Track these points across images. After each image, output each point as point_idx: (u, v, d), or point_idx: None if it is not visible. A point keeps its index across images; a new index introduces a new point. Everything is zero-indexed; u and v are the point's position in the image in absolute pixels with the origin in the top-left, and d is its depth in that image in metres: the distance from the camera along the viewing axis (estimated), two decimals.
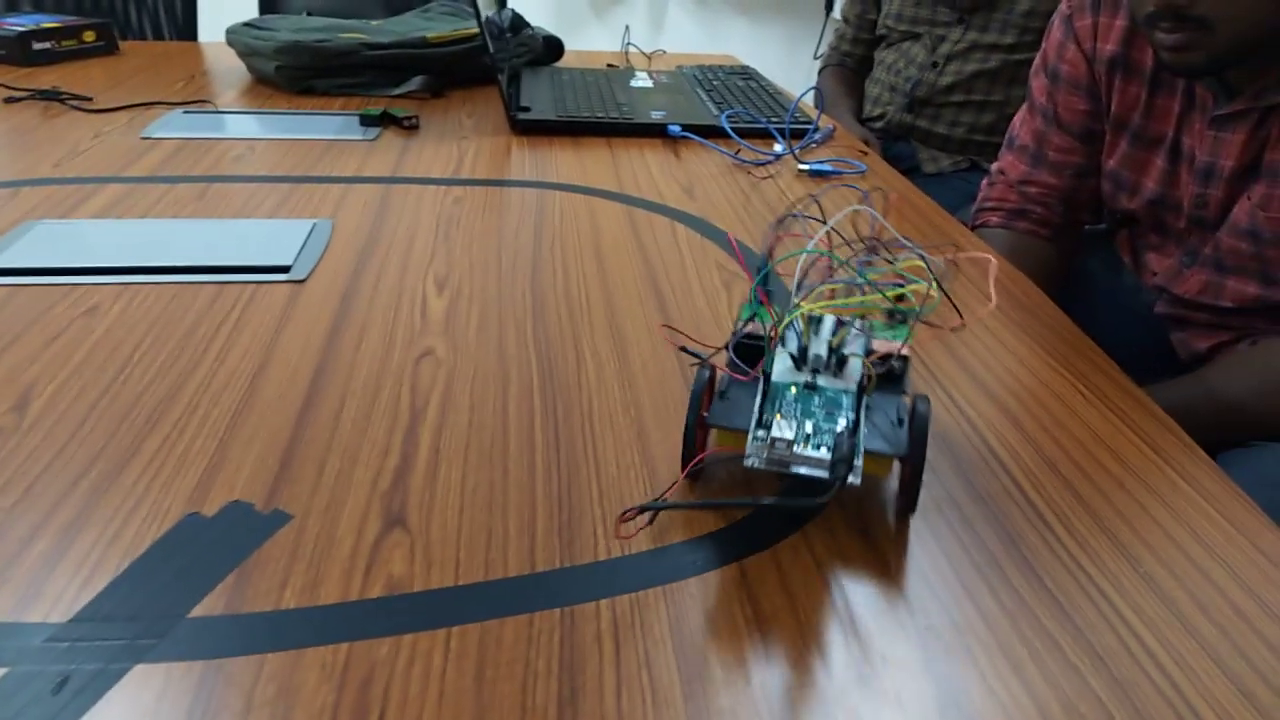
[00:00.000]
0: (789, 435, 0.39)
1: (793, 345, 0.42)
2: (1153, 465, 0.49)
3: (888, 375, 0.44)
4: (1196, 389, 0.83)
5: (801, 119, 1.12)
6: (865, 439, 0.41)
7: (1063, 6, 0.98)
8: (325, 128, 1.04)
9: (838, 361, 0.42)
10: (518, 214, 0.80)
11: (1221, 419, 0.80)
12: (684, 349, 0.49)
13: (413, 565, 0.39)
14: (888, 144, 1.62)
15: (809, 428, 0.40)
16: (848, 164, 0.99)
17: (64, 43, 1.34)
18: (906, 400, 0.44)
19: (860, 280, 0.44)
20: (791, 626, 0.37)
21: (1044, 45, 1.01)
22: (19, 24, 1.32)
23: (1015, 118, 1.07)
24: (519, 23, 1.39)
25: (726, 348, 0.45)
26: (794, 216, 0.49)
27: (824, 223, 0.43)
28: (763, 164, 0.98)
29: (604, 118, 1.07)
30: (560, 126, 1.06)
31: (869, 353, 0.43)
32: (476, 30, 1.26)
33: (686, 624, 0.37)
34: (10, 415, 0.49)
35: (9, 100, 1.11)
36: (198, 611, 0.36)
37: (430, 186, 0.86)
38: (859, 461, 0.39)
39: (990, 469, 0.48)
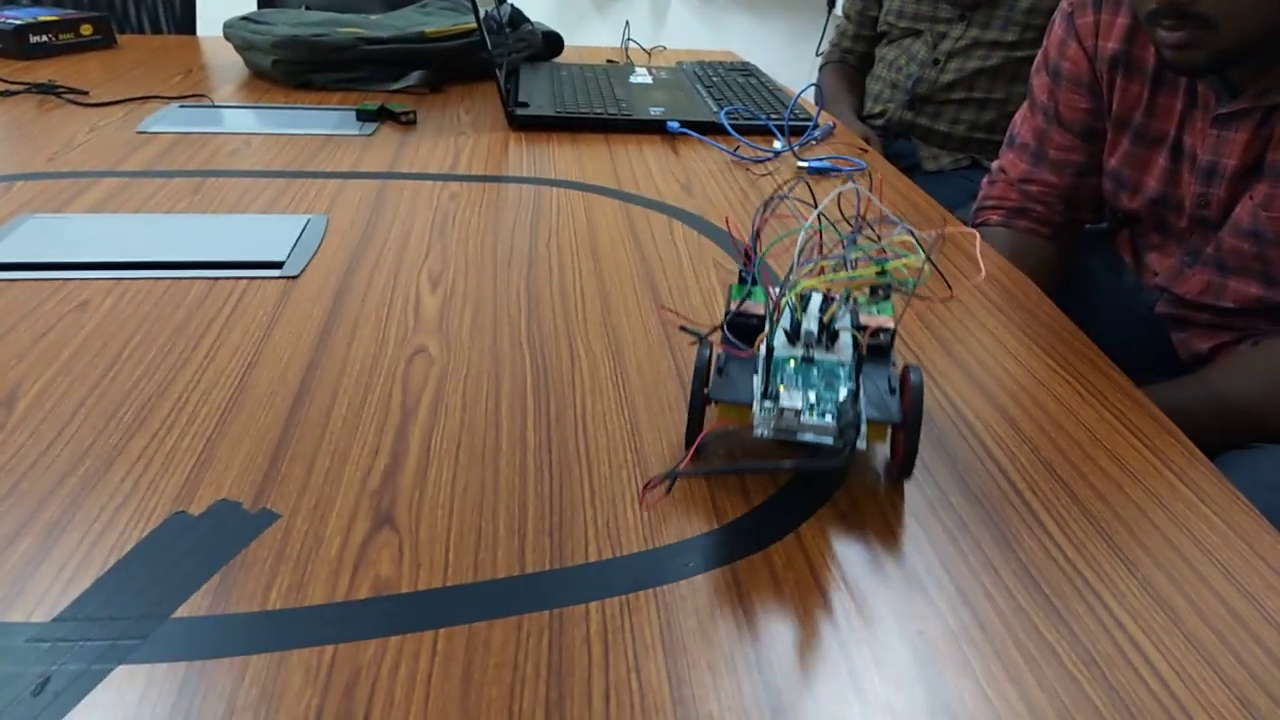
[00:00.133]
0: (798, 404, 0.41)
1: (785, 322, 0.44)
2: (1151, 467, 0.48)
3: (875, 348, 0.46)
4: (1197, 390, 0.82)
5: (801, 116, 1.12)
6: (863, 408, 0.43)
7: (1064, 4, 0.97)
8: (322, 123, 1.03)
9: (829, 336, 0.44)
10: (514, 211, 0.79)
11: (1222, 420, 0.79)
12: (683, 328, 0.50)
13: (401, 566, 0.38)
14: (888, 141, 1.62)
15: (811, 398, 0.42)
16: (848, 161, 0.98)
17: (61, 36, 1.34)
18: (895, 371, 0.46)
19: (853, 255, 0.45)
20: (783, 631, 0.36)
21: (1045, 43, 1.00)
22: (16, 17, 1.32)
23: (1016, 116, 1.07)
24: (518, 18, 1.38)
25: (722, 326, 0.47)
26: (782, 198, 0.50)
27: (815, 205, 0.45)
28: (762, 161, 0.97)
29: (602, 114, 1.07)
30: (558, 122, 1.05)
31: (862, 328, 0.45)
32: (475, 25, 1.25)
33: (677, 627, 0.36)
34: None
35: (4, 94, 1.10)
36: (182, 612, 0.36)
37: (426, 182, 0.86)
38: (864, 427, 0.41)
39: (987, 470, 0.47)
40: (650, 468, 0.46)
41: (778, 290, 0.44)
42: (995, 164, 1.09)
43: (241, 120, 1.04)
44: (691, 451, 0.45)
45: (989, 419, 0.52)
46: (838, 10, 3.01)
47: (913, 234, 0.45)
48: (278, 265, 0.65)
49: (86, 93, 1.12)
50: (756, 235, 0.49)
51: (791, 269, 0.45)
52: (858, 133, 1.55)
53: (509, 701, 0.33)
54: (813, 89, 1.07)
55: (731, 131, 1.04)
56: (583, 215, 0.79)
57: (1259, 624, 0.38)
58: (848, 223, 0.47)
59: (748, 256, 0.50)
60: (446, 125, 1.06)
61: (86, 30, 1.37)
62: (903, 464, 0.44)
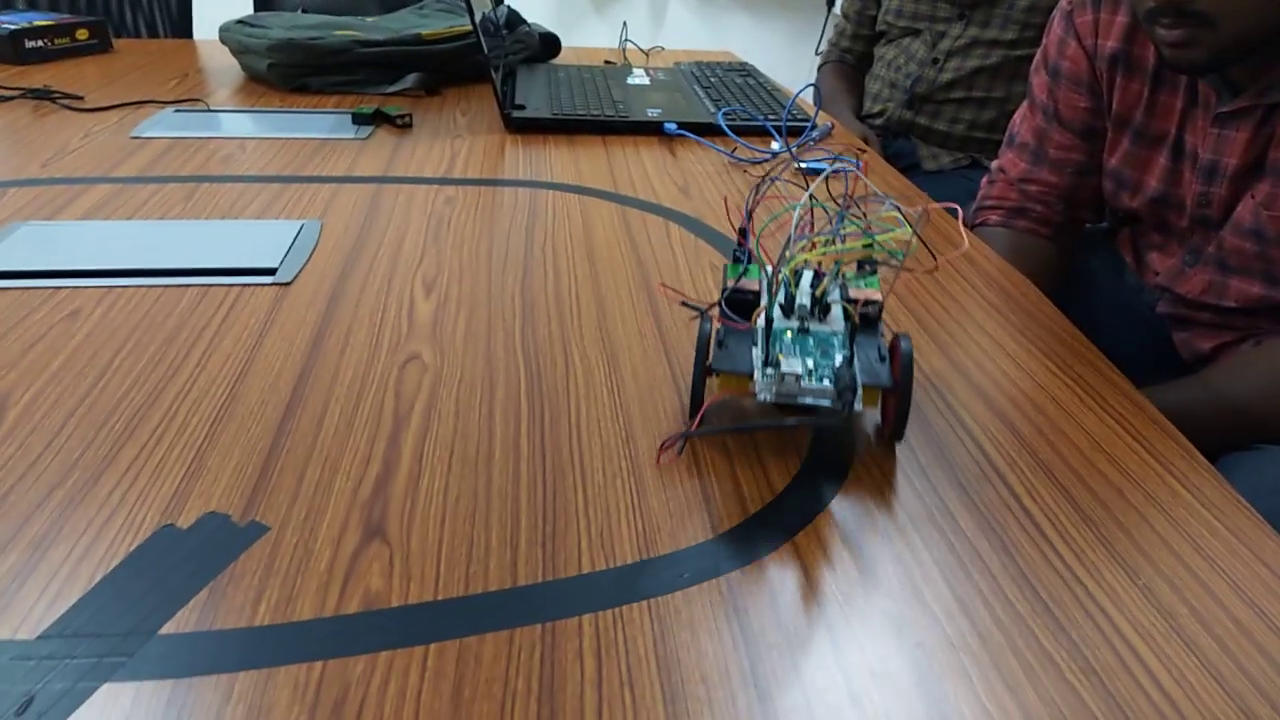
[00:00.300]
0: (798, 369, 0.44)
1: (780, 297, 0.48)
2: (1152, 472, 0.48)
3: (864, 319, 0.49)
4: (1198, 391, 0.81)
5: (800, 116, 1.11)
6: (858, 373, 0.46)
7: (1063, 2, 0.96)
8: (317, 126, 1.03)
9: (821, 309, 0.48)
10: (510, 214, 0.79)
11: (1224, 421, 0.79)
12: (683, 303, 0.52)
13: (391, 579, 0.38)
14: (888, 141, 1.61)
15: (809, 364, 0.45)
16: (846, 162, 0.97)
17: (57, 41, 1.33)
18: (884, 340, 0.49)
19: (844, 231, 0.48)
20: (779, 643, 0.36)
21: (1044, 42, 1.00)
22: (12, 22, 1.31)
23: (1015, 115, 1.06)
24: (515, 19, 1.38)
25: (720, 303, 0.49)
26: (774, 180, 0.52)
27: (806, 188, 0.48)
28: (759, 162, 0.96)
29: (599, 116, 1.06)
30: (555, 125, 1.05)
31: (853, 301, 0.48)
32: (471, 27, 1.24)
33: (671, 640, 0.36)
34: None
35: None
36: (169, 628, 0.35)
37: (421, 186, 0.85)
38: (860, 390, 0.44)
39: (986, 477, 0.47)
40: (645, 475, 0.45)
41: (776, 261, 0.47)
42: (995, 163, 1.08)
43: (237, 124, 1.04)
44: (699, 417, 0.47)
45: (988, 424, 0.51)
46: (836, 9, 3.01)
47: (899, 209, 0.48)
48: (270, 272, 0.65)
49: (81, 98, 1.11)
50: (750, 215, 0.52)
51: (787, 244, 0.47)
52: (857, 133, 1.54)
53: (500, 718, 0.32)
54: (811, 89, 1.06)
55: (729, 133, 1.04)
56: (579, 218, 0.78)
57: (1262, 632, 0.37)
58: (837, 204, 0.49)
59: (742, 235, 0.53)
60: (442, 128, 1.06)
61: (82, 35, 1.37)
62: (894, 427, 0.47)
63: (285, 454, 0.46)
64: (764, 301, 0.48)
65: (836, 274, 0.48)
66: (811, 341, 0.46)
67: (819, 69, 1.80)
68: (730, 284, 0.50)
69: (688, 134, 1.05)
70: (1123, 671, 0.35)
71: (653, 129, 1.06)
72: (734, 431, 0.48)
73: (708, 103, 1.17)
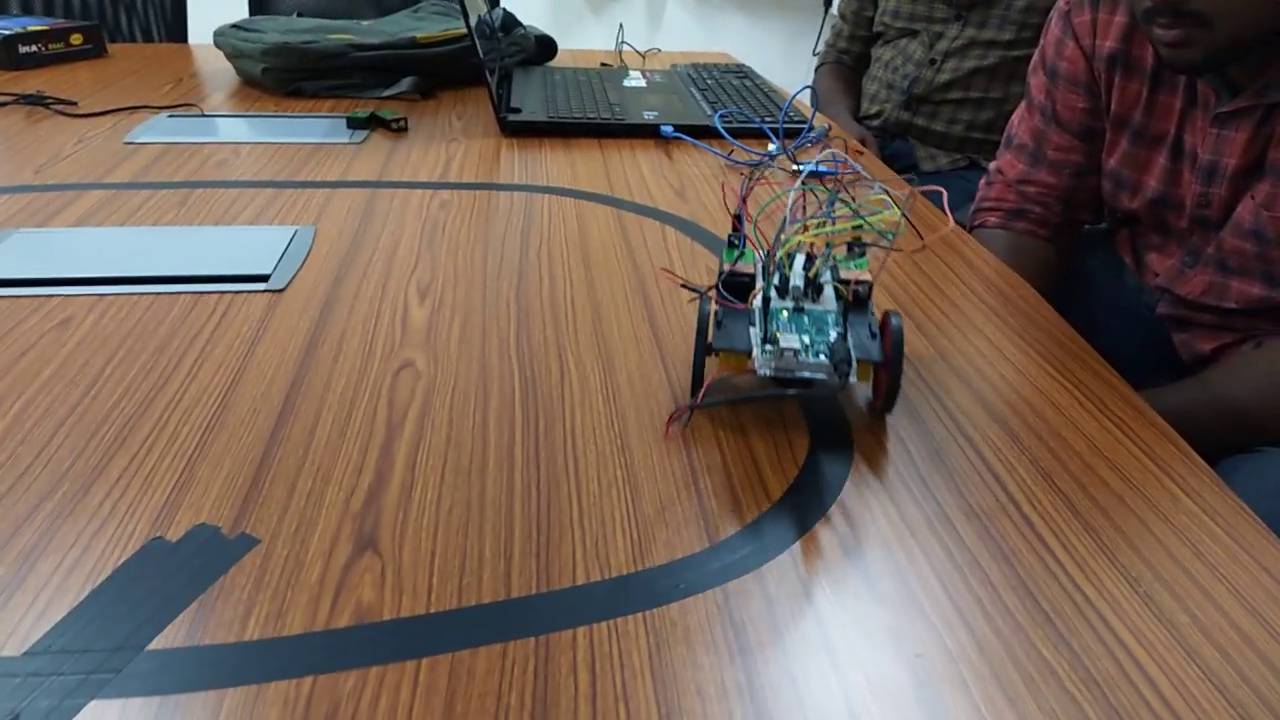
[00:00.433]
0: (797, 345, 0.47)
1: (775, 279, 0.50)
2: (1153, 478, 0.47)
3: (854, 298, 0.52)
4: (1199, 392, 0.81)
5: (797, 118, 1.11)
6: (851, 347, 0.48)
7: (1060, 2, 0.96)
8: (312, 131, 1.03)
9: (814, 290, 0.50)
10: (505, 219, 0.78)
11: (1224, 423, 0.78)
12: (684, 285, 0.55)
13: (383, 592, 0.37)
14: (885, 142, 1.61)
15: (805, 340, 0.48)
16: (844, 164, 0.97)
17: (51, 46, 1.33)
18: (874, 318, 0.51)
19: (836, 212, 0.51)
20: (776, 655, 0.35)
21: (1042, 42, 0.99)
22: (5, 27, 1.31)
23: (1013, 116, 1.06)
24: (510, 22, 1.37)
25: (718, 285, 0.52)
26: (768, 166, 0.54)
27: (797, 174, 0.50)
28: (756, 164, 0.96)
29: (595, 118, 1.06)
30: (551, 128, 1.05)
31: (845, 282, 0.51)
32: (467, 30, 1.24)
33: (667, 653, 0.35)
34: None
35: None
36: (158, 643, 0.35)
37: (416, 191, 0.85)
38: (854, 364, 0.46)
39: (985, 483, 0.46)
40: (640, 483, 0.45)
41: (773, 243, 0.50)
42: (993, 165, 1.08)
43: (231, 129, 1.03)
44: (702, 392, 0.50)
45: (987, 429, 0.51)
46: (834, 10, 3.00)
47: (887, 192, 0.50)
48: (263, 278, 0.64)
49: (75, 103, 1.11)
50: (744, 201, 0.54)
51: (782, 228, 0.49)
52: (854, 134, 1.54)
53: None
54: (808, 91, 1.06)
55: (726, 135, 1.03)
56: (574, 223, 0.78)
57: (1265, 641, 0.37)
58: (827, 188, 0.51)
59: (737, 221, 0.55)
60: (438, 132, 1.05)
61: (76, 40, 1.37)
62: (885, 400, 0.49)
63: (277, 464, 0.45)
64: (760, 283, 0.51)
65: (828, 256, 0.51)
66: (806, 320, 0.49)
67: (816, 70, 1.80)
68: (727, 267, 0.53)
69: (684, 136, 1.04)
70: (1124, 682, 0.35)
71: (649, 132, 1.05)
72: (737, 402, 0.51)
73: (704, 105, 1.17)
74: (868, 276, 0.52)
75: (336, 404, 0.50)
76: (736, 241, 0.56)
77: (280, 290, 0.63)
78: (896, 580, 0.39)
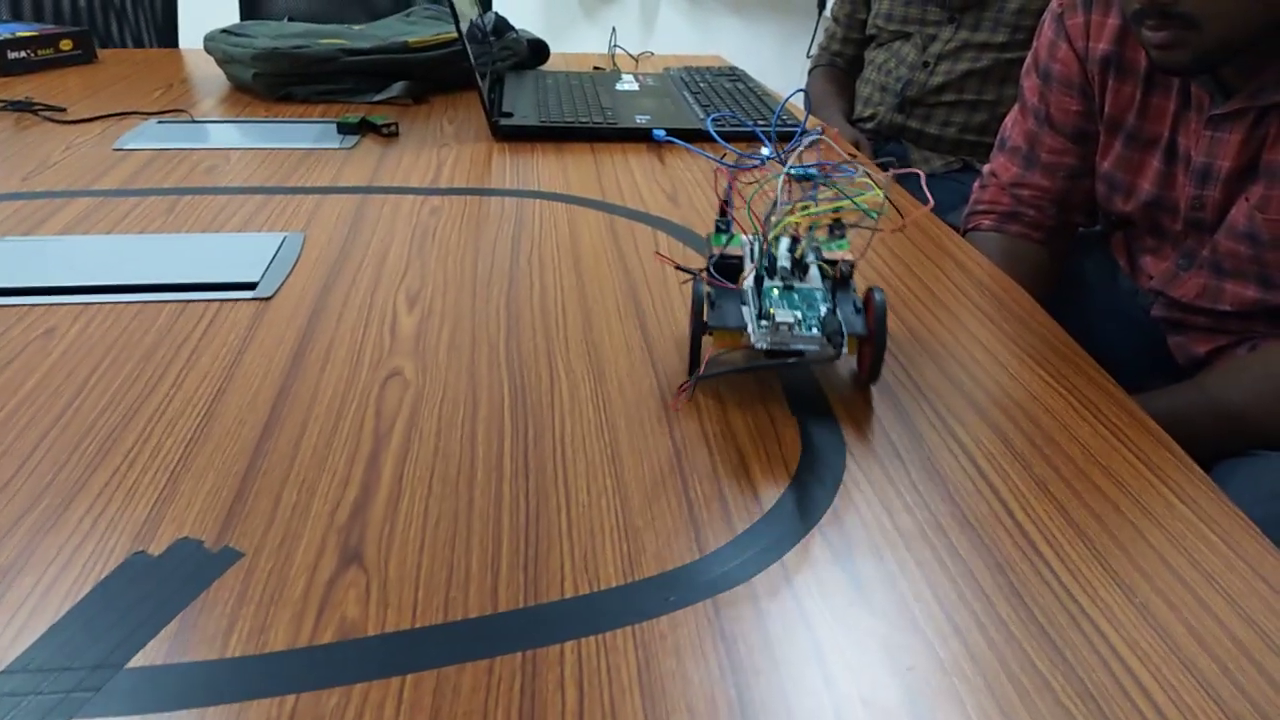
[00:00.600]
0: (791, 319, 0.50)
1: (764, 259, 0.53)
2: (1148, 484, 0.47)
3: (838, 277, 0.55)
4: (1194, 396, 0.81)
5: (790, 121, 1.10)
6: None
7: (1053, 4, 0.96)
8: (302, 136, 1.02)
9: (801, 269, 0.54)
10: (496, 224, 0.78)
11: (1220, 427, 0.78)
12: (678, 267, 0.57)
13: (368, 607, 0.37)
14: (879, 145, 1.60)
15: (798, 315, 0.50)
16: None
17: (40, 52, 1.32)
18: (858, 295, 0.54)
19: (821, 195, 0.53)
20: (767, 669, 0.35)
21: (1035, 44, 0.99)
22: None
23: (1007, 119, 1.05)
24: (503, 26, 1.37)
25: (709, 268, 0.54)
26: (753, 154, 0.58)
27: (782, 164, 0.54)
28: (748, 168, 0.95)
29: (587, 123, 1.05)
30: (543, 132, 1.04)
31: (830, 262, 0.54)
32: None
33: (656, 667, 0.34)
34: None
35: None
36: (138, 661, 0.34)
37: (407, 196, 0.84)
38: (845, 336, 0.49)
39: (978, 490, 0.46)
40: (630, 494, 0.44)
41: (764, 225, 0.52)
42: (986, 168, 1.07)
43: (220, 135, 1.03)
44: (704, 364, 0.53)
45: (981, 435, 0.50)
46: (827, 13, 3.00)
47: (869, 175, 0.53)
48: (251, 286, 0.64)
49: (64, 110, 1.10)
50: (730, 189, 0.58)
51: (772, 210, 0.52)
52: (847, 137, 1.54)
53: None
54: (800, 94, 1.06)
55: (718, 139, 1.02)
56: (566, 228, 0.78)
57: (1261, 651, 0.36)
58: (813, 174, 0.54)
59: (724, 206, 0.58)
60: (429, 137, 1.05)
61: (66, 45, 1.36)
62: (870, 371, 0.52)
63: (261, 476, 0.44)
64: (752, 263, 0.54)
65: (811, 237, 0.55)
66: (796, 296, 0.52)
67: (809, 73, 1.80)
68: (716, 251, 0.56)
69: (677, 140, 1.03)
70: (1119, 695, 0.34)
71: (641, 136, 1.05)
72: (740, 371, 0.55)
73: (697, 108, 1.16)
74: (850, 256, 0.55)
75: (323, 414, 0.50)
76: (724, 226, 0.58)
77: (268, 298, 0.63)
78: (889, 590, 0.39)
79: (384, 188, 0.86)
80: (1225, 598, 0.39)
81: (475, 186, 0.88)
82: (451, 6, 0.96)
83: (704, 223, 0.80)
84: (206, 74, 1.34)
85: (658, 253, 0.71)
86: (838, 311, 0.51)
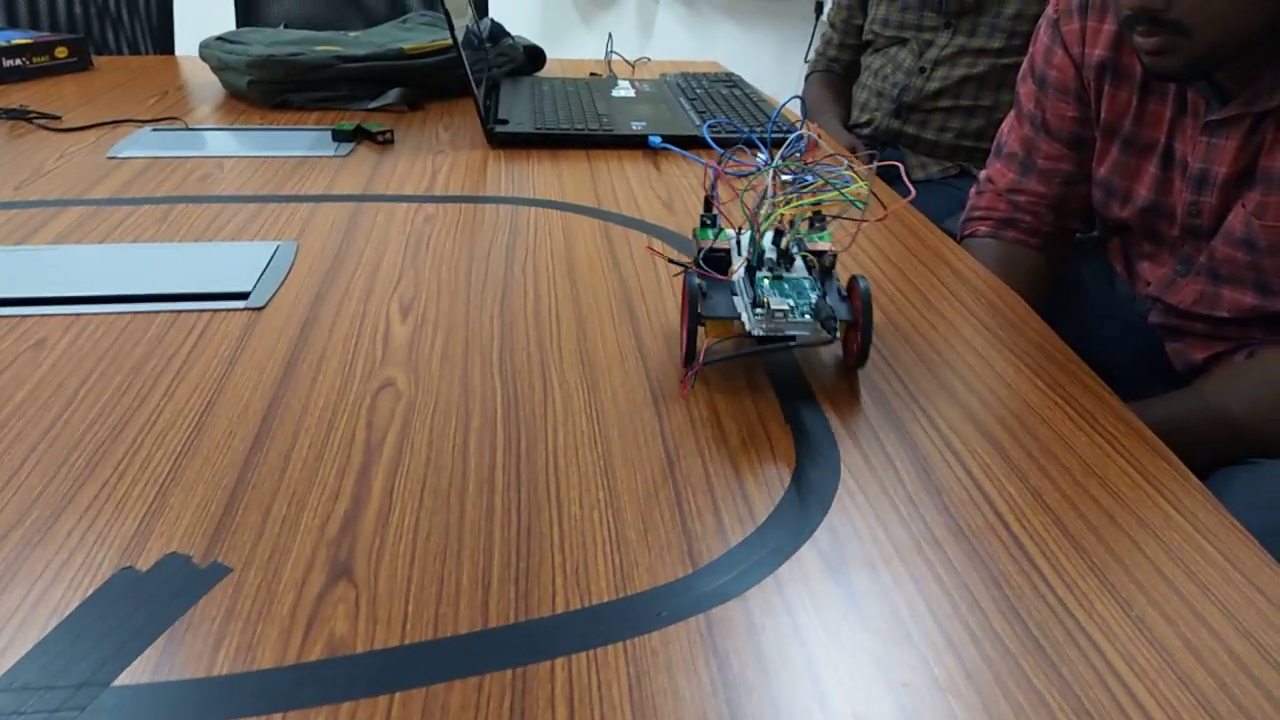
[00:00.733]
0: (785, 306, 0.52)
1: (754, 252, 0.56)
2: (1144, 495, 0.46)
3: (823, 267, 0.57)
4: (1192, 403, 0.80)
5: (786, 127, 1.10)
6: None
7: (1049, 10, 0.95)
8: (297, 144, 1.02)
9: (787, 260, 0.56)
10: (490, 232, 0.77)
11: (1218, 434, 0.77)
12: (670, 260, 0.58)
13: (357, 623, 0.37)
14: (876, 150, 1.60)
15: (790, 303, 0.53)
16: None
17: (35, 59, 1.32)
18: (841, 284, 0.57)
19: (808, 186, 0.55)
20: (760, 686, 0.34)
21: (1030, 50, 0.99)
22: None
23: (1003, 125, 1.05)
24: (498, 32, 1.37)
25: (698, 261, 0.57)
26: (739, 145, 0.61)
27: (769, 159, 0.56)
28: (744, 175, 0.95)
29: (583, 129, 1.05)
30: (538, 139, 1.04)
31: (817, 253, 0.57)
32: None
33: (647, 684, 0.34)
34: None
35: None
36: (124, 679, 0.34)
37: (401, 204, 0.84)
38: (837, 321, 0.52)
39: (974, 502, 0.45)
40: (623, 506, 0.44)
41: (756, 218, 0.54)
42: (983, 174, 1.07)
43: (215, 143, 1.02)
44: (702, 351, 0.57)
45: (976, 446, 0.50)
46: (824, 18, 3.00)
47: (853, 168, 0.56)
48: (243, 296, 0.63)
49: (58, 117, 1.10)
50: (715, 185, 0.60)
51: (762, 201, 0.54)
52: (844, 143, 1.54)
53: None
54: (796, 100, 1.06)
55: (714, 145, 1.02)
56: (560, 236, 0.77)
57: (1259, 666, 0.36)
58: (800, 166, 0.57)
59: (709, 201, 0.60)
60: (424, 144, 1.04)
61: (62, 53, 1.36)
62: (858, 356, 0.55)
63: (251, 489, 0.44)
64: (743, 255, 0.57)
65: (796, 229, 0.57)
66: (786, 286, 0.55)
67: (806, 79, 1.79)
68: (705, 245, 0.58)
69: (672, 147, 1.03)
70: (1116, 712, 0.34)
71: (637, 142, 1.05)
72: (738, 357, 0.57)
73: (693, 115, 1.16)
74: (832, 247, 0.58)
75: (314, 426, 0.49)
76: (710, 221, 0.60)
77: (260, 308, 0.62)
78: (883, 605, 0.39)
79: (378, 195, 0.86)
80: (1223, 611, 0.39)
81: (470, 194, 0.87)
82: (446, 14, 0.95)
83: None
84: (202, 81, 1.34)
85: (649, 247, 0.72)
86: (826, 299, 0.54)
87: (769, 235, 0.56)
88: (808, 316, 0.52)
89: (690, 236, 0.78)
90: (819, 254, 0.57)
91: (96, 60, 1.45)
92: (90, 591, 0.38)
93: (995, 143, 1.05)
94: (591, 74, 1.46)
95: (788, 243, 0.56)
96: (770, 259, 0.56)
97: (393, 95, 1.19)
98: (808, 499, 0.45)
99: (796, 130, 0.60)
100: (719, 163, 0.59)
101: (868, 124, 1.60)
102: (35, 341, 0.57)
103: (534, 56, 1.41)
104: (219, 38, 1.28)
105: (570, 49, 3.19)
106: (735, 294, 0.55)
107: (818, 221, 0.60)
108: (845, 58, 1.72)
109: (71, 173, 0.90)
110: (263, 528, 0.42)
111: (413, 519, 0.42)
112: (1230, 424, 0.77)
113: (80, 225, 0.77)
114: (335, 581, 0.39)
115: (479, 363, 0.56)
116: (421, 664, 0.35)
